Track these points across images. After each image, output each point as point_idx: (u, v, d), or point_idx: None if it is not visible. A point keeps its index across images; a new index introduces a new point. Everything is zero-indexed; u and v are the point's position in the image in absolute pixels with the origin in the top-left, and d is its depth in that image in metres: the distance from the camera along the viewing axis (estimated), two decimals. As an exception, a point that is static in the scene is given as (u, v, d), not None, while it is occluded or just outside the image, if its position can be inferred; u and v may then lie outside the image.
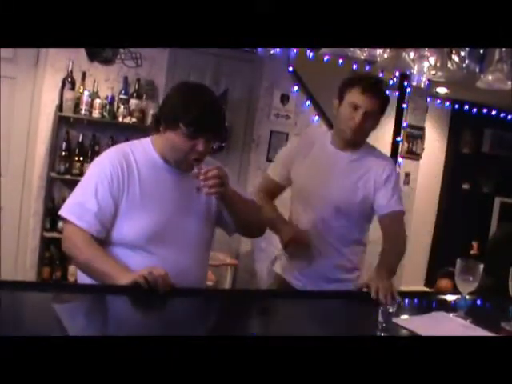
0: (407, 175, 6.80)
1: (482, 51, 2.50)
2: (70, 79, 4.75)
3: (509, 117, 7.21)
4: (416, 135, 6.79)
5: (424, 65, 2.54)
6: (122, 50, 4.75)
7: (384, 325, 1.73)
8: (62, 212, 2.06)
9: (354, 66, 5.33)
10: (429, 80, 2.73)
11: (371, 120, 2.52)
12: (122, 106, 4.81)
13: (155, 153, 2.13)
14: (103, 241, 2.05)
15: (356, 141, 2.58)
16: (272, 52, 2.73)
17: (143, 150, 2.14)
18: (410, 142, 6.73)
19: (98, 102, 4.79)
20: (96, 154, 4.38)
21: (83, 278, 2.08)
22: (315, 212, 2.59)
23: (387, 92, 2.59)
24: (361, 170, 2.58)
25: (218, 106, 2.13)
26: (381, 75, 5.70)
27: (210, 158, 2.20)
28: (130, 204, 2.05)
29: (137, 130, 4.41)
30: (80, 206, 2.03)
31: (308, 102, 5.81)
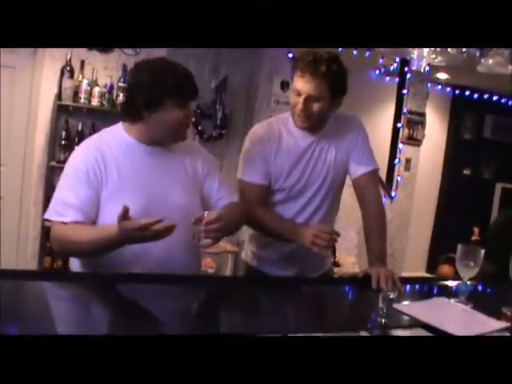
0: (408, 161, 6.79)
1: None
2: (68, 68, 4.74)
3: (510, 102, 7.19)
4: (417, 121, 6.77)
5: (424, 50, 2.52)
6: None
7: (385, 310, 1.73)
8: (46, 215, 2.06)
9: (354, 52, 5.31)
10: (429, 65, 2.71)
11: (318, 103, 2.27)
12: (121, 94, 4.79)
13: (129, 137, 2.11)
14: None
15: (309, 127, 2.37)
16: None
17: (116, 137, 2.12)
18: (410, 127, 6.71)
19: (96, 90, 4.78)
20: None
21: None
22: (302, 200, 2.44)
23: (338, 66, 2.28)
24: (335, 144, 2.43)
25: (183, 67, 2.09)
26: (381, 61, 5.71)
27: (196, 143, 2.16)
28: (111, 191, 2.03)
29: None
30: (61, 204, 2.03)
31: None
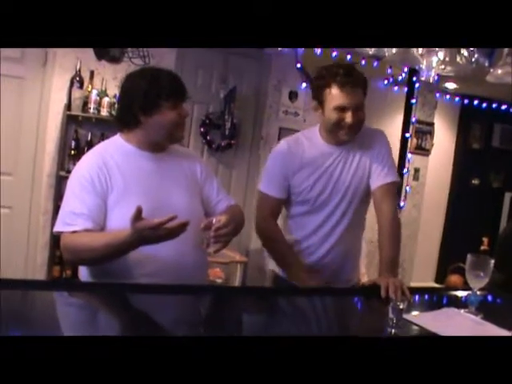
0: (416, 171, 6.78)
1: (491, 45, 2.48)
2: (78, 78, 4.77)
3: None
4: (425, 131, 6.77)
5: (433, 59, 2.52)
6: (129, 49, 4.76)
7: (395, 321, 1.73)
8: (56, 228, 2.08)
9: (363, 62, 5.31)
10: (438, 75, 2.71)
11: (362, 112, 2.37)
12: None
13: (129, 145, 2.18)
14: None
15: (354, 137, 2.45)
16: (279, 49, 2.73)
17: (116, 146, 2.19)
18: (419, 137, 6.70)
19: (106, 100, 4.81)
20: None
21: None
22: (325, 212, 2.49)
23: (358, 71, 2.38)
24: (359, 157, 2.48)
25: (171, 71, 2.21)
26: (389, 71, 5.71)
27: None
28: (116, 197, 2.07)
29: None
30: (70, 215, 2.05)
31: (316, 99, 5.79)
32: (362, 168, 2.48)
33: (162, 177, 2.18)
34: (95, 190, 2.05)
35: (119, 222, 2.01)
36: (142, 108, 2.09)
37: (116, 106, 4.70)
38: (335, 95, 2.33)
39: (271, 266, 2.70)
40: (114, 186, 2.07)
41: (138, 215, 1.83)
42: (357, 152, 2.48)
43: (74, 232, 2.01)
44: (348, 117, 2.34)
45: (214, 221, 2.00)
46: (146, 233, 1.85)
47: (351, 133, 2.40)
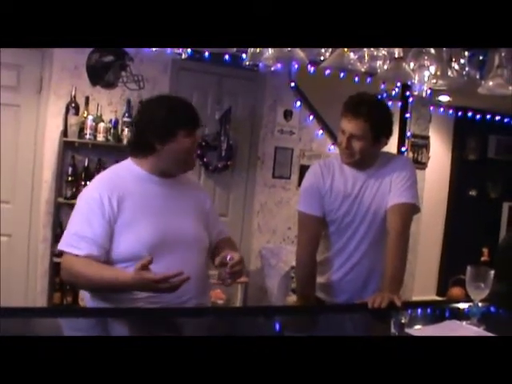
0: (414, 185, 6.77)
1: (481, 57, 2.49)
2: (73, 104, 4.79)
3: (513, 121, 7.19)
4: (421, 144, 6.79)
5: (424, 74, 2.54)
6: (123, 73, 4.78)
7: (397, 335, 1.73)
8: (60, 246, 2.09)
9: (356, 79, 5.34)
10: (430, 89, 2.73)
11: (360, 142, 2.47)
12: (125, 129, 4.83)
13: (141, 170, 2.19)
14: (105, 261, 2.07)
15: (352, 163, 2.57)
16: (273, 69, 2.76)
17: (127, 170, 2.21)
18: (414, 151, 6.72)
19: (102, 125, 4.82)
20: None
21: (91, 304, 2.15)
22: (349, 232, 2.59)
23: (381, 109, 2.55)
24: (380, 180, 2.57)
25: (186, 99, 2.25)
26: (382, 87, 5.74)
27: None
28: (125, 221, 2.08)
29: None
30: (76, 237, 2.06)
31: (311, 117, 5.83)
32: (382, 191, 2.57)
33: (171, 202, 2.21)
34: (103, 213, 2.06)
35: (127, 246, 2.05)
36: (158, 136, 2.12)
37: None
38: (341, 119, 2.50)
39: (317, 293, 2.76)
40: (123, 210, 2.09)
41: (145, 266, 1.87)
42: (379, 176, 2.59)
43: (77, 255, 2.02)
44: (344, 139, 2.48)
45: (228, 258, 2.10)
46: (147, 283, 1.89)
47: (347, 157, 2.54)
